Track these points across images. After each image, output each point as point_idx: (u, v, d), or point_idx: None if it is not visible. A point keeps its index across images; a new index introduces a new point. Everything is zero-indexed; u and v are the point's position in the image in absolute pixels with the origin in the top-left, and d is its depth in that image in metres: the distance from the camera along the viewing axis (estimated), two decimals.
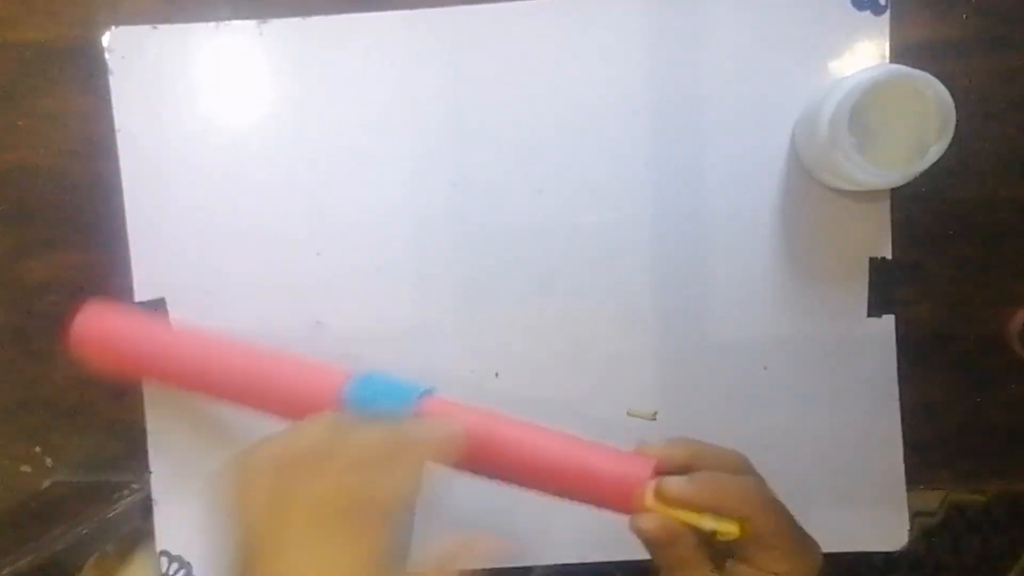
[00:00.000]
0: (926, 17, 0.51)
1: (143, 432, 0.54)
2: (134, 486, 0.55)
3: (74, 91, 0.54)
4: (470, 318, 0.53)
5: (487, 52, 0.52)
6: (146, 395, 0.54)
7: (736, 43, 0.51)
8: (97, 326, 0.49)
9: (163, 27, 0.53)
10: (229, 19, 0.53)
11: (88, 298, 0.50)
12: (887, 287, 0.52)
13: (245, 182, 0.53)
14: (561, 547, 0.54)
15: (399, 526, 0.35)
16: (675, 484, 0.37)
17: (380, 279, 0.53)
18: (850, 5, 0.50)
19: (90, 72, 0.53)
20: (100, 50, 0.53)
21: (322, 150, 0.53)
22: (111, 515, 0.52)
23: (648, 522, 0.36)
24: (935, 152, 0.45)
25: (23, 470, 0.56)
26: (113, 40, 0.53)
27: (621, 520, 0.38)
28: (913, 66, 0.44)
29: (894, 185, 0.48)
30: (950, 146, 0.44)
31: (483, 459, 0.41)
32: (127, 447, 0.55)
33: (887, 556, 0.54)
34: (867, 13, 0.50)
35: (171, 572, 0.55)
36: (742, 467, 0.39)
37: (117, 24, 0.53)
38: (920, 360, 0.52)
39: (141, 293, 0.54)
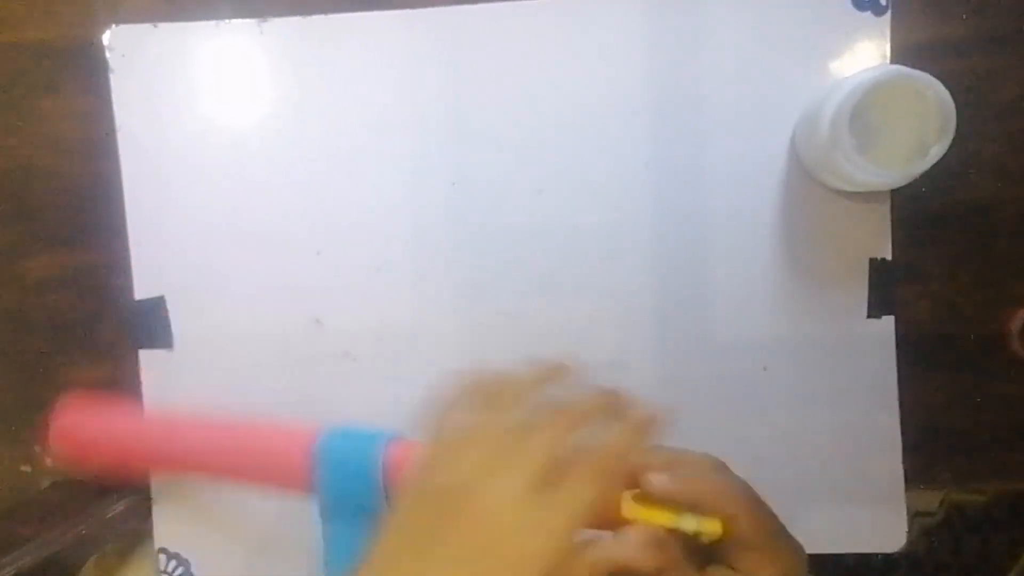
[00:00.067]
0: (927, 18, 0.51)
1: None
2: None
3: (74, 91, 0.54)
4: (470, 318, 0.53)
5: (487, 52, 0.52)
6: (145, 394, 0.54)
7: (736, 43, 0.51)
8: (73, 427, 0.51)
9: (164, 25, 0.53)
10: (230, 18, 0.53)
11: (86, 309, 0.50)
12: (887, 288, 0.52)
13: (245, 181, 0.53)
14: None
15: None
16: (660, 480, 0.36)
17: (380, 279, 0.53)
18: (851, 6, 0.50)
19: (90, 72, 0.53)
20: (100, 50, 0.53)
21: (322, 149, 0.53)
22: (111, 515, 0.52)
23: (637, 534, 0.34)
24: (936, 153, 0.44)
25: (23, 470, 0.56)
26: (114, 38, 0.53)
27: None
28: (914, 67, 0.44)
29: (894, 186, 0.48)
30: (950, 146, 0.44)
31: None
32: None
33: (887, 556, 0.53)
34: (868, 14, 0.50)
35: (169, 569, 0.55)
36: (721, 470, 0.38)
37: (117, 23, 0.53)
38: (920, 360, 0.52)
39: (141, 292, 0.54)
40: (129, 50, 0.53)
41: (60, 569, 0.47)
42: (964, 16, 0.51)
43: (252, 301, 0.54)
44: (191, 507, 0.55)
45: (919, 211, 0.52)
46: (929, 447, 0.53)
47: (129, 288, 0.54)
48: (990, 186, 0.52)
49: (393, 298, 0.54)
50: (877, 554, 0.53)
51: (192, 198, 0.54)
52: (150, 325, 0.54)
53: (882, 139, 0.45)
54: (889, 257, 0.52)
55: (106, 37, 0.53)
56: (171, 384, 0.54)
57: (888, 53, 0.50)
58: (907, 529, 0.52)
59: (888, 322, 0.52)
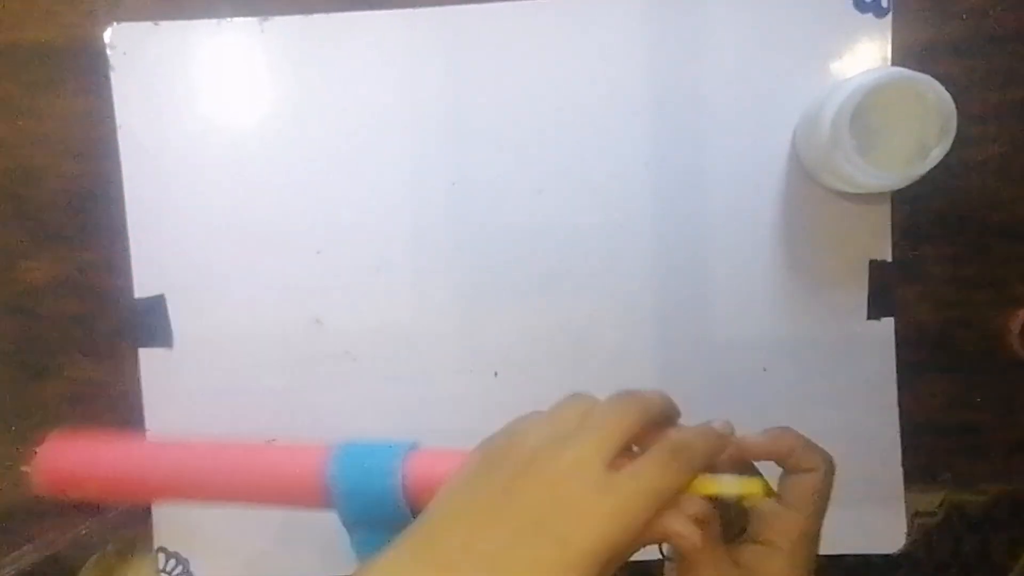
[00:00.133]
0: (928, 20, 0.51)
1: (142, 432, 0.54)
2: None
3: (74, 90, 0.54)
4: (470, 318, 0.53)
5: (487, 51, 0.52)
6: (145, 395, 0.54)
7: (737, 44, 0.51)
8: (60, 466, 0.45)
9: (164, 24, 0.53)
10: (231, 16, 0.53)
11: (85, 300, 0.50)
12: (887, 290, 0.52)
13: (245, 180, 0.53)
14: None
15: None
16: (752, 436, 0.37)
17: (380, 278, 0.53)
18: (852, 7, 0.50)
19: (90, 72, 0.53)
20: (101, 49, 0.53)
21: (322, 149, 0.53)
22: (111, 515, 0.52)
23: (692, 506, 0.34)
24: (936, 155, 0.44)
25: (23, 470, 0.56)
26: (115, 36, 0.53)
27: None
28: (914, 68, 0.44)
29: (895, 187, 0.48)
30: (950, 148, 0.44)
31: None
32: None
33: (887, 556, 0.53)
34: (869, 15, 0.50)
35: (169, 568, 0.55)
36: (825, 467, 0.38)
37: (118, 21, 0.53)
38: (920, 361, 0.52)
39: (141, 291, 0.54)
40: (130, 48, 0.53)
41: (60, 569, 0.47)
42: (964, 17, 0.51)
43: (252, 301, 0.54)
44: (190, 507, 0.55)
45: (919, 212, 0.52)
46: (929, 447, 0.53)
47: (129, 287, 0.54)
48: (990, 187, 0.52)
49: (393, 298, 0.54)
50: (877, 554, 0.53)
51: (192, 197, 0.54)
52: (150, 324, 0.54)
53: (882, 141, 0.45)
54: (889, 259, 0.52)
55: (107, 35, 0.53)
56: (171, 383, 0.54)
57: (889, 55, 0.50)
58: (907, 529, 0.52)
59: (888, 323, 0.52)
